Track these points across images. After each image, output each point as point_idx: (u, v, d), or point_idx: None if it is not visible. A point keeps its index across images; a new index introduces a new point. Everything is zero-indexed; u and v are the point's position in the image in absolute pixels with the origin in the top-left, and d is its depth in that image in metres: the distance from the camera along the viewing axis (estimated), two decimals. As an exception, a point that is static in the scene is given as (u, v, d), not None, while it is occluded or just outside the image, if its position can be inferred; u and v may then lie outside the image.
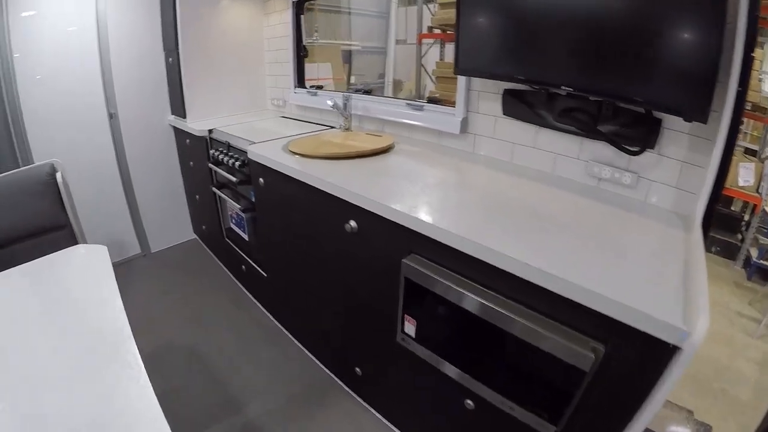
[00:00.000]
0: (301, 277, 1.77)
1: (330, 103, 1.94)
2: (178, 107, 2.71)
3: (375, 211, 1.18)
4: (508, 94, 1.49)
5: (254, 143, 1.86)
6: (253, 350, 2.03)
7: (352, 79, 3.88)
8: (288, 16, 2.53)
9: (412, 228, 1.08)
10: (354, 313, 1.51)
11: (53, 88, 2.42)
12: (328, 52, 3.28)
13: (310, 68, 2.71)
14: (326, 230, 1.47)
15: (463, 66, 1.49)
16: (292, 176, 1.51)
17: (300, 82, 2.58)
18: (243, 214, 2.08)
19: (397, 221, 1.12)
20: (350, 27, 3.91)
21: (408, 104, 1.87)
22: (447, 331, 1.12)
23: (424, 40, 3.53)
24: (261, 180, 1.78)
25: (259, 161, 1.73)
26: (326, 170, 1.43)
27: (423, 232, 1.05)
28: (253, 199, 1.94)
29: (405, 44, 4.11)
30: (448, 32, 2.66)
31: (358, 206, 1.24)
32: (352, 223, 1.31)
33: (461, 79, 1.61)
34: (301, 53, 2.51)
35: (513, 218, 1.06)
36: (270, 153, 1.68)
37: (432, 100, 1.83)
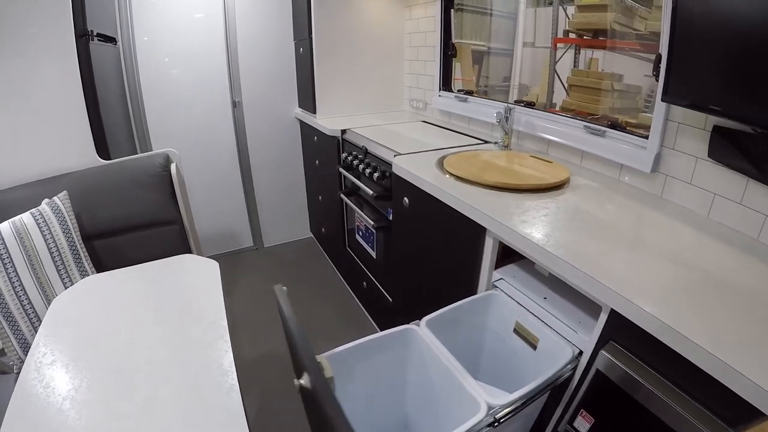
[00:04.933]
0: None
1: (496, 118, 1.65)
2: (307, 101, 2.59)
3: (569, 278, 0.89)
4: (718, 133, 1.09)
5: (400, 154, 1.64)
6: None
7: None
8: (434, 9, 2.27)
9: (621, 312, 0.77)
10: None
11: (177, 74, 2.41)
12: (458, 52, 3.03)
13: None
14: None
15: (677, 92, 1.09)
16: (452, 206, 1.25)
17: (446, 84, 2.31)
18: (375, 231, 1.87)
19: (598, 298, 0.83)
20: (481, 27, 3.63)
21: (586, 127, 1.52)
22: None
23: (558, 45, 3.15)
24: (405, 200, 1.55)
25: (406, 178, 1.50)
26: (492, 204, 1.15)
27: (639, 324, 0.74)
28: (390, 217, 1.72)
29: (533, 47, 3.74)
30: (585, 38, 2.34)
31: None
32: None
33: (660, 105, 1.23)
34: (449, 52, 2.24)
35: (750, 319, 0.72)
36: (421, 170, 1.44)
37: (614, 125, 1.46)
